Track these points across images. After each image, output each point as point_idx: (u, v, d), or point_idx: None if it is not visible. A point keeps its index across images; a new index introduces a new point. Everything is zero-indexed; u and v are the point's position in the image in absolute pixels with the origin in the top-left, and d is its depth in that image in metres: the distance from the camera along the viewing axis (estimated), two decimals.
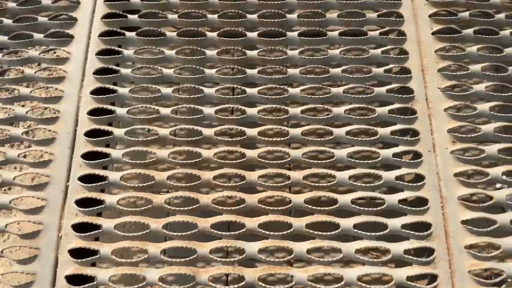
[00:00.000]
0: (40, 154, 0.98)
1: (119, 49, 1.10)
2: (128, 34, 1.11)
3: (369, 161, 0.98)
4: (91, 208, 0.93)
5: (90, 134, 1.01)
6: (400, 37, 1.11)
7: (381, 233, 0.91)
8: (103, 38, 1.10)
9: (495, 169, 0.99)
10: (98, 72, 1.07)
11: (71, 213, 0.94)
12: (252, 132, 1.01)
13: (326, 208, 0.93)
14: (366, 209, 0.93)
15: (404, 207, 0.94)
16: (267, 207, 0.93)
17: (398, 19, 1.13)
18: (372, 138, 1.01)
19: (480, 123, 1.05)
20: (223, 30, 1.12)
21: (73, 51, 1.10)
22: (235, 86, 1.07)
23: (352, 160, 0.99)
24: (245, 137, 1.01)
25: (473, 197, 0.96)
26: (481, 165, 1.00)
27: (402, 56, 1.09)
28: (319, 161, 0.99)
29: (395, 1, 1.15)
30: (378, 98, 1.06)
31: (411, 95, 1.05)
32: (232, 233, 0.90)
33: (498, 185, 1.10)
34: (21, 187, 0.95)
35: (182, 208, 0.92)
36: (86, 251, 0.91)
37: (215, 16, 1.13)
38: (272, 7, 1.15)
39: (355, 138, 1.01)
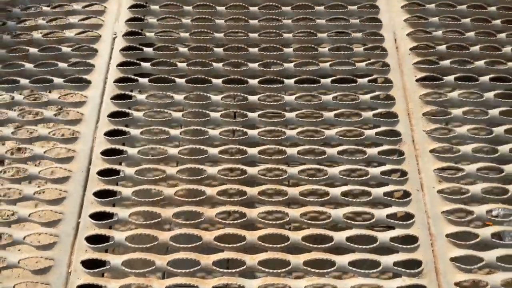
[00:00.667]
0: (54, 192, 0.98)
1: (132, 93, 1.12)
2: (141, 80, 1.13)
3: (362, 200, 0.98)
4: (100, 245, 0.91)
5: (102, 173, 1.01)
6: (387, 84, 1.13)
7: (374, 270, 0.89)
8: (118, 84, 1.13)
9: (481, 207, 0.98)
10: (112, 115, 1.08)
11: (81, 249, 0.91)
12: (252, 170, 1.01)
13: (323, 246, 0.92)
14: (360, 246, 0.92)
15: (396, 244, 0.93)
16: (267, 244, 0.91)
17: (384, 68, 1.16)
18: (364, 178, 1.01)
19: (464, 163, 1.05)
20: (227, 78, 1.15)
21: (90, 95, 1.12)
22: (236, 128, 1.08)
23: (346, 199, 0.98)
24: (246, 175, 1.00)
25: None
26: (467, 203, 0.99)
27: (389, 101, 1.11)
28: (314, 198, 0.98)
29: (382, 52, 1.18)
30: (368, 140, 1.06)
31: (398, 138, 1.06)
32: (234, 270, 0.88)
33: (494, 212, 1.07)
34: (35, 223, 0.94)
35: (186, 245, 0.90)
36: (94, 286, 0.89)
37: (220, 64, 1.16)
38: (272, 57, 1.19)
39: (349, 178, 1.00)
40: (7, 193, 1.07)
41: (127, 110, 1.08)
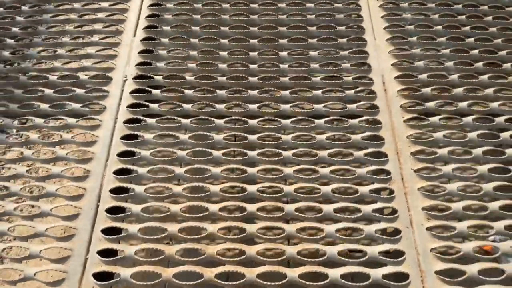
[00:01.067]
0: (64, 229, 1.01)
1: (140, 133, 1.17)
2: (149, 120, 1.20)
3: (355, 238, 1.01)
4: (106, 282, 0.93)
5: (109, 210, 1.05)
6: (377, 125, 1.20)
7: None
8: (127, 124, 1.18)
9: (468, 244, 1.02)
10: (120, 154, 1.13)
11: (88, 285, 0.93)
12: (251, 207, 1.05)
13: (318, 283, 0.94)
14: (354, 284, 0.94)
15: (388, 281, 0.95)
16: (265, 282, 0.94)
17: (374, 110, 1.22)
18: (356, 215, 1.04)
19: (450, 201, 1.09)
20: (228, 118, 1.21)
21: (101, 135, 1.17)
22: (236, 166, 1.13)
23: (340, 236, 1.01)
24: (245, 213, 1.04)
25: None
26: (455, 240, 1.02)
27: (379, 141, 1.16)
28: (311, 237, 1.01)
29: (371, 95, 1.25)
30: (360, 179, 1.11)
31: (388, 176, 1.11)
32: None
33: (491, 238, 1.09)
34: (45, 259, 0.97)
35: (188, 283, 0.93)
36: None
37: (223, 106, 1.23)
38: (270, 99, 1.23)
39: (342, 215, 1.03)
40: (18, 230, 1.10)
41: (135, 149, 1.14)
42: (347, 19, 1.39)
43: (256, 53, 1.32)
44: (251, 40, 1.34)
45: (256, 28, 1.37)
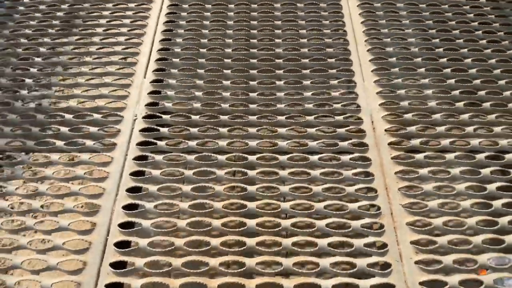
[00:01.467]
0: (74, 262, 1.05)
1: (148, 169, 1.24)
2: (156, 157, 1.25)
3: (348, 271, 1.04)
4: None
5: (118, 244, 1.09)
6: (366, 162, 1.26)
7: None
8: (136, 161, 1.24)
9: (454, 276, 1.05)
10: (129, 189, 1.19)
11: None
12: (250, 241, 1.10)
13: None
14: None
15: None
16: None
17: (363, 147, 1.30)
18: (349, 249, 1.08)
19: (436, 235, 1.13)
20: (230, 154, 1.28)
21: (112, 170, 1.24)
22: (236, 201, 1.19)
23: (334, 270, 1.05)
24: (245, 247, 1.09)
25: None
26: (442, 273, 1.06)
27: (369, 178, 1.23)
28: (306, 269, 1.05)
29: (361, 133, 1.33)
30: (352, 214, 1.16)
31: (378, 211, 1.16)
32: None
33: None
34: None
35: None
36: None
37: (224, 143, 1.30)
38: (267, 137, 1.31)
39: (336, 250, 1.08)
40: (31, 263, 1.14)
41: (143, 185, 1.19)
42: (338, 63, 1.49)
43: (255, 94, 1.41)
44: (250, 82, 1.43)
45: (255, 71, 1.46)
